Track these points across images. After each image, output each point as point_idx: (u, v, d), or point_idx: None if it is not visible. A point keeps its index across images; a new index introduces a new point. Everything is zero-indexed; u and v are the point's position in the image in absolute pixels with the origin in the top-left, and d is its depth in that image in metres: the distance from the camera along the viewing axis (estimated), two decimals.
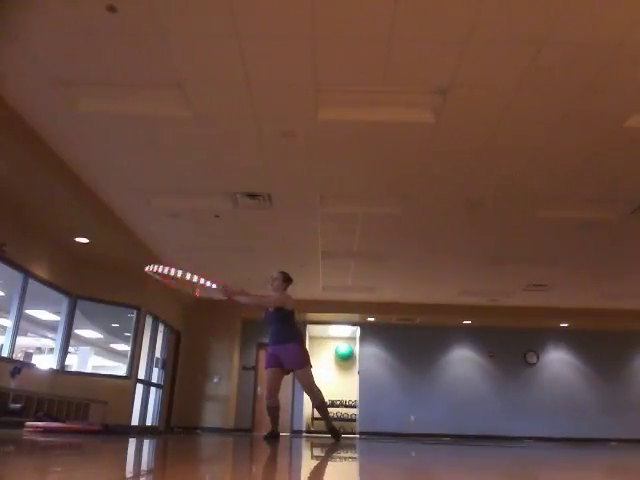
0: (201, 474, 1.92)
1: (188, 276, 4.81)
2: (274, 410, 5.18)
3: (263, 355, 12.59)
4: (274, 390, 5.14)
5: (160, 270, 4.78)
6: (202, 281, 4.91)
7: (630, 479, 2.23)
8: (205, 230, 7.77)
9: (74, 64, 4.27)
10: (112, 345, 13.71)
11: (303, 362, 5.10)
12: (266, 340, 5.40)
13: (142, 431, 9.22)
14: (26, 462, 2.14)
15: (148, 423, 10.20)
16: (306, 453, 3.70)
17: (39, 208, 6.60)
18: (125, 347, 10.56)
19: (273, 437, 5.08)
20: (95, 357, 14.20)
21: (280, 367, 5.13)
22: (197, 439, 6.00)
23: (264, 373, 5.24)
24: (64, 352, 8.24)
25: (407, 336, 12.59)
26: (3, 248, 6.45)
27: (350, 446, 4.88)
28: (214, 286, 5.03)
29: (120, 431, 7.46)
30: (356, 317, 12.33)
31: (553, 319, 12.03)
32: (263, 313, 5.41)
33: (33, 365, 7.90)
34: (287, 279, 5.46)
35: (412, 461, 3.11)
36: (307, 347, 5.74)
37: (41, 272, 7.48)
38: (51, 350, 9.52)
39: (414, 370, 12.50)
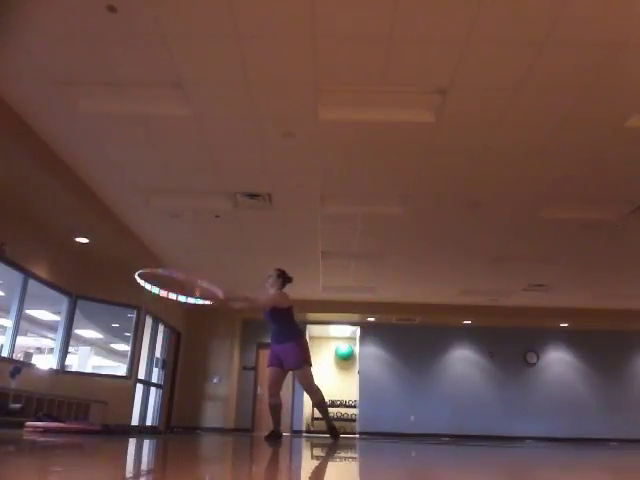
0: (201, 474, 1.92)
1: (185, 299, 4.90)
2: (276, 408, 5.14)
3: (263, 355, 12.66)
4: (276, 388, 5.10)
5: (162, 293, 4.90)
6: (198, 300, 5.03)
7: (630, 479, 2.23)
8: (205, 230, 7.77)
9: (74, 64, 4.27)
10: (112, 345, 13.72)
11: (301, 362, 5.02)
12: (266, 340, 5.39)
13: (142, 431, 9.21)
14: (26, 462, 2.13)
15: (148, 423, 10.20)
16: (306, 453, 3.70)
17: (39, 208, 6.60)
18: (125, 347, 10.56)
19: (275, 437, 5.03)
20: (95, 357, 14.20)
21: (281, 366, 5.09)
22: (197, 439, 6.00)
23: (266, 371, 5.21)
24: (64, 352, 8.23)
25: (407, 336, 12.59)
26: (3, 248, 6.45)
27: (350, 446, 4.88)
28: (219, 293, 5.01)
29: (120, 431, 7.46)
30: (356, 317, 12.32)
31: (553, 319, 12.02)
32: (262, 313, 5.30)
33: (33, 365, 7.90)
34: (282, 276, 5.23)
35: (412, 461, 3.11)
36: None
37: (41, 272, 7.48)
38: (51, 350, 9.51)
39: (414, 370, 12.50)
